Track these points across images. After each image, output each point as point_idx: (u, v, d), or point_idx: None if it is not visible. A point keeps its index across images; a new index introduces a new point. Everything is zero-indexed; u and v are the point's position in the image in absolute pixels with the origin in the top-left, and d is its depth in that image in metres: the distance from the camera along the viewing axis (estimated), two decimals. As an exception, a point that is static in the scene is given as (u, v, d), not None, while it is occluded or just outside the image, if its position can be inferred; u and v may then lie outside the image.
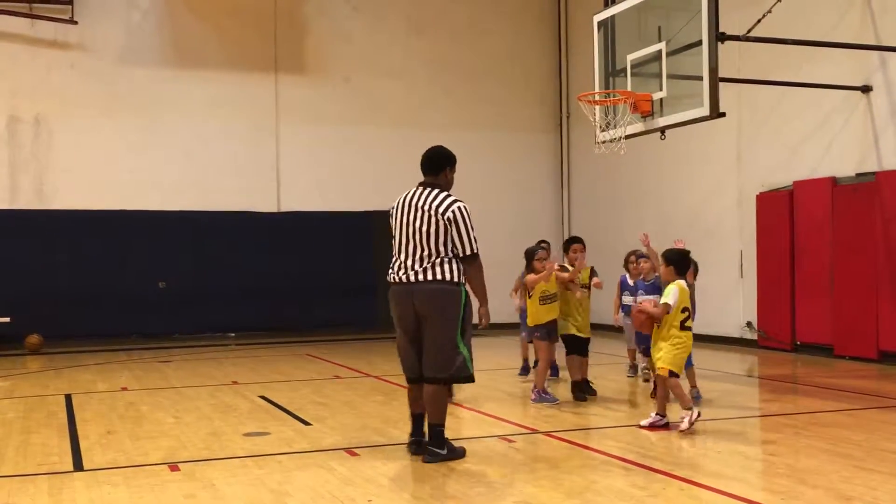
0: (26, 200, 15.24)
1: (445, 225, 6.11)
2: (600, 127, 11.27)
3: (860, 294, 11.67)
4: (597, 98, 11.25)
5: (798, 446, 6.68)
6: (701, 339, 13.81)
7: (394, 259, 6.28)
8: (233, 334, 15.82)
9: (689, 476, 5.70)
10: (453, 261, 6.16)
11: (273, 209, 16.38)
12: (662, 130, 10.65)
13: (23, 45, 15.26)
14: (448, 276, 6.11)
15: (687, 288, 7.38)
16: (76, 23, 15.26)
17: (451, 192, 6.31)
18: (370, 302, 15.82)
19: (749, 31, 10.48)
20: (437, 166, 6.38)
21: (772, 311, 13.16)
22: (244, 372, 10.75)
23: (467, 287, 6.24)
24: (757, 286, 13.45)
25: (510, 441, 6.88)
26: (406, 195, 6.33)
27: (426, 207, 6.16)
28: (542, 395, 8.56)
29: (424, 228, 6.13)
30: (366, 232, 16.64)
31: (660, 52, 10.44)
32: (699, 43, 9.79)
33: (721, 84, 9.74)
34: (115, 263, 15.51)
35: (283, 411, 8.29)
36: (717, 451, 6.46)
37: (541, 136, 18.39)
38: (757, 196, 13.45)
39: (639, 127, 10.77)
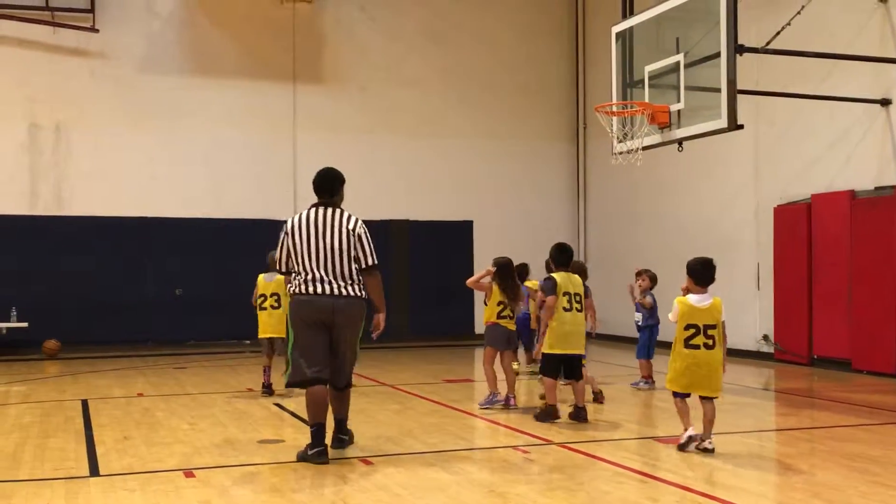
0: (45, 207, 15.36)
1: (353, 240, 6.64)
2: (617, 138, 11.26)
3: (878, 308, 11.58)
4: (614, 109, 11.25)
5: (814, 461, 6.63)
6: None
7: (304, 273, 6.59)
8: (248, 341, 15.85)
9: (705, 489, 5.67)
10: (358, 278, 6.68)
11: (290, 217, 16.38)
12: (680, 142, 10.64)
13: (44, 53, 15.40)
14: (360, 293, 6.69)
15: (697, 303, 6.73)
16: (97, 31, 15.40)
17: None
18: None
19: (768, 44, 10.46)
20: (333, 187, 6.85)
21: (789, 324, 13.09)
22: (259, 379, 10.73)
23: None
24: (774, 299, 13.38)
25: (525, 452, 6.86)
26: (308, 214, 6.71)
27: (337, 225, 6.64)
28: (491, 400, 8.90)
29: (337, 245, 6.60)
30: (382, 240, 16.56)
31: (678, 63, 10.44)
32: (717, 55, 9.78)
33: (739, 96, 9.72)
34: (133, 270, 15.61)
35: (298, 419, 8.30)
36: (733, 465, 6.42)
37: (557, 147, 18.39)
38: (774, 209, 13.39)
39: (656, 138, 10.76)
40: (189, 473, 6.13)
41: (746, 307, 13.86)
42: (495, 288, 8.95)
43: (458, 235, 17.22)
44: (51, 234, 15.21)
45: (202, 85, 16.15)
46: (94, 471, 6.30)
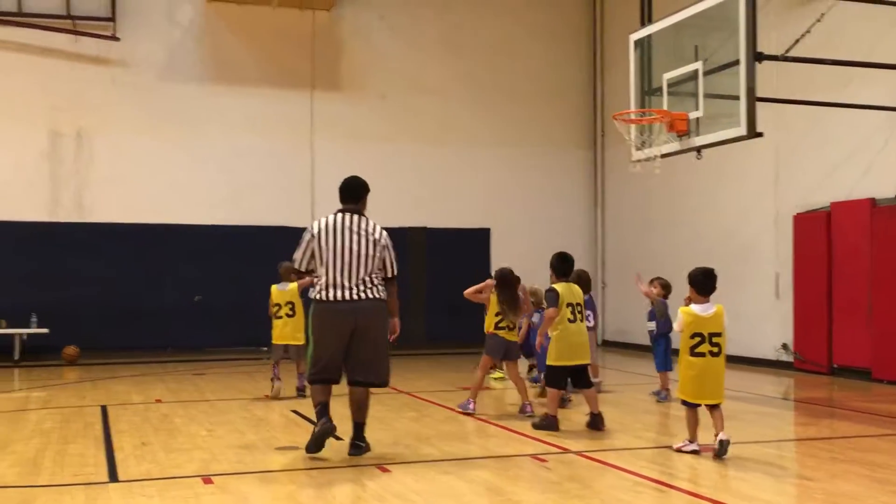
0: (66, 213, 15.48)
1: (380, 249, 6.89)
2: (636, 145, 11.23)
3: (899, 317, 11.49)
4: (632, 116, 11.23)
5: (835, 471, 6.57)
6: (735, 360, 13.71)
7: (326, 277, 6.80)
8: (265, 348, 15.89)
9: (723, 499, 5.63)
10: (381, 282, 6.92)
11: (308, 224, 16.42)
12: (698, 150, 10.58)
13: (66, 61, 15.55)
14: (381, 295, 6.91)
15: (701, 312, 6.84)
16: (118, 39, 15.54)
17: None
18: (403, 317, 15.81)
19: (787, 52, 10.41)
20: (358, 194, 7.10)
21: (808, 333, 13.00)
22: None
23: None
24: (793, 308, 13.29)
25: (542, 460, 6.84)
26: (335, 219, 6.92)
27: (364, 233, 6.88)
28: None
29: (364, 252, 6.83)
30: (400, 248, 16.60)
31: (696, 71, 10.40)
32: (736, 62, 9.74)
33: (758, 104, 9.68)
34: (152, 277, 15.71)
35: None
36: (752, 475, 6.37)
37: (575, 154, 18.38)
38: (794, 217, 13.32)
39: (674, 146, 10.72)
40: (207, 480, 6.15)
41: (765, 316, 13.78)
42: (493, 298, 9.00)
43: (475, 243, 17.22)
44: (71, 240, 15.33)
45: (221, 92, 16.26)
46: (114, 477, 6.33)
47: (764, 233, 14.00)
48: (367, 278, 6.83)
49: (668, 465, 6.68)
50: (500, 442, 7.80)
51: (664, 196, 16.10)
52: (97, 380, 12.30)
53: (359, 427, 7.02)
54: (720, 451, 6.76)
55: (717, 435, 6.82)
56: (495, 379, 11.64)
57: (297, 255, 6.98)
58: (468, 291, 9.31)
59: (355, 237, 6.84)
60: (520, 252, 16.43)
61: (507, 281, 9.05)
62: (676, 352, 7.09)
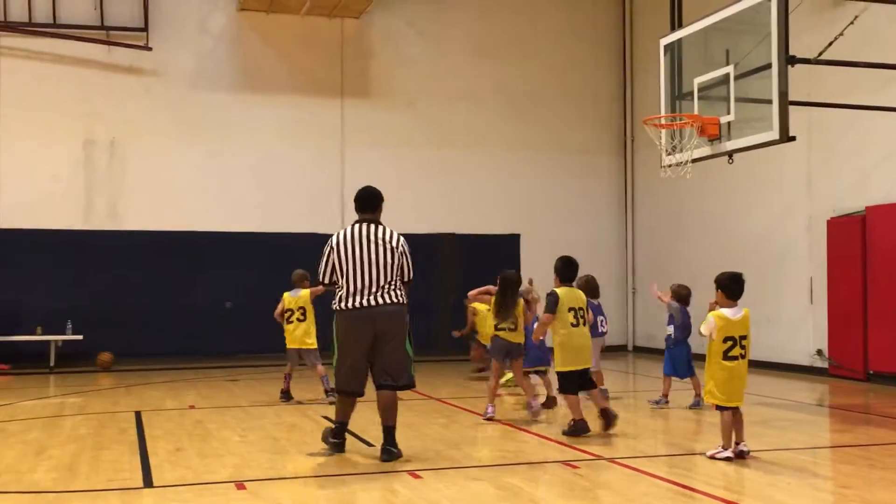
0: (99, 221, 15.67)
1: (398, 255, 7.05)
2: (666, 150, 11.16)
3: (936, 323, 11.32)
4: (663, 121, 11.17)
5: (872, 479, 6.48)
6: (769, 366, 13.62)
7: (346, 286, 6.98)
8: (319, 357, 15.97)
9: (758, 507, 5.58)
10: (401, 286, 7.07)
11: (336, 232, 16.51)
12: (730, 154, 10.50)
13: (100, 71, 15.75)
14: (399, 299, 7.03)
15: (732, 316, 6.93)
16: (150, 49, 15.71)
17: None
18: (433, 323, 15.91)
19: (820, 55, 10.30)
20: (374, 204, 7.29)
21: (843, 338, 12.84)
22: (307, 392, 10.83)
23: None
24: (828, 313, 13.14)
25: (574, 467, 6.81)
26: (353, 230, 7.11)
27: (381, 241, 7.05)
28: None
29: (382, 259, 6.99)
30: (431, 254, 16.76)
31: (727, 75, 10.32)
32: (768, 66, 9.65)
33: (791, 107, 9.59)
34: (184, 283, 15.85)
35: (346, 431, 8.33)
36: (788, 483, 6.30)
37: (605, 160, 18.32)
38: (828, 221, 13.18)
39: (706, 151, 10.64)
40: (240, 485, 6.19)
41: (800, 322, 13.63)
42: (492, 300, 9.18)
43: (505, 249, 17.18)
44: (105, 248, 15.51)
45: (252, 101, 16.39)
46: (148, 482, 6.39)
47: (797, 237, 13.86)
48: (386, 285, 6.98)
49: (701, 472, 6.62)
50: (531, 448, 7.77)
51: (695, 201, 15.99)
52: (131, 386, 12.42)
53: (388, 431, 7.07)
54: (740, 453, 6.94)
55: (738, 443, 6.96)
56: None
57: (320, 268, 7.18)
58: (471, 294, 9.65)
59: (373, 246, 7.01)
60: (550, 258, 16.31)
61: (507, 284, 9.11)
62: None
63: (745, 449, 6.97)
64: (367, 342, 6.96)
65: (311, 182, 16.62)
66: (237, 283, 16.03)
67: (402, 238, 7.17)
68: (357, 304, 6.95)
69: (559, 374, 8.16)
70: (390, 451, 7.00)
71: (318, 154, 16.67)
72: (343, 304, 7.00)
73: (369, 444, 7.56)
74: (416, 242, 17.27)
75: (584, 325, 8.19)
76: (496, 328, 9.14)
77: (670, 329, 10.04)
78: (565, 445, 7.67)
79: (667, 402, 9.93)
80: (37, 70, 15.49)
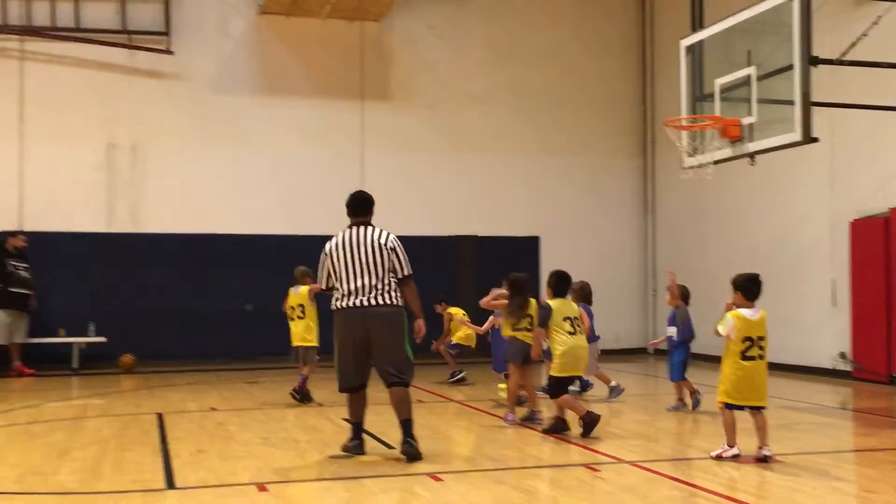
0: (122, 224, 15.76)
1: (388, 253, 7.15)
2: (687, 152, 11.12)
3: (962, 325, 11.20)
4: (684, 123, 11.12)
5: (897, 483, 6.43)
6: (791, 369, 13.52)
7: (341, 289, 7.16)
8: (317, 357, 16.01)
9: (782, 511, 5.54)
10: (394, 288, 7.17)
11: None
12: (752, 155, 10.45)
13: (122, 75, 15.86)
14: (393, 300, 7.15)
15: (750, 317, 6.98)
16: (172, 53, 15.80)
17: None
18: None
19: (843, 55, 10.23)
20: (366, 208, 7.44)
21: (867, 341, 12.72)
22: (328, 394, 10.85)
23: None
24: (851, 316, 13.03)
25: (595, 470, 6.79)
26: (345, 235, 7.28)
27: (371, 242, 7.17)
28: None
29: (372, 260, 7.12)
30: (449, 257, 16.76)
31: (749, 76, 10.27)
32: (790, 67, 9.59)
33: (813, 108, 9.52)
34: (205, 286, 15.91)
35: (367, 434, 8.34)
36: (812, 487, 6.25)
37: (625, 162, 18.25)
38: (850, 223, 13.07)
39: (727, 152, 10.59)
40: (262, 487, 6.21)
41: (822, 324, 13.53)
42: (507, 302, 9.25)
43: (525, 251, 17.15)
44: (127, 250, 15.60)
45: (273, 104, 16.46)
46: (171, 484, 6.42)
47: (820, 239, 13.75)
48: (379, 284, 7.10)
49: (723, 475, 6.58)
50: (553, 451, 7.75)
51: (716, 203, 15.90)
52: (153, 388, 12.50)
53: (405, 424, 7.14)
54: (762, 458, 6.92)
55: (760, 447, 6.96)
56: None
57: (319, 275, 7.41)
58: (484, 301, 9.78)
59: (363, 248, 7.17)
60: (569, 260, 16.28)
61: (519, 285, 9.14)
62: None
63: (767, 454, 6.93)
64: (361, 341, 7.13)
65: (330, 185, 16.61)
66: (257, 285, 16.06)
67: (392, 236, 7.28)
68: (350, 304, 7.14)
69: (553, 378, 8.32)
70: (410, 444, 7.07)
71: (337, 157, 16.70)
72: (338, 304, 7.21)
73: (389, 447, 7.56)
74: (435, 245, 17.33)
75: (581, 333, 8.42)
76: (513, 329, 9.16)
77: (672, 331, 9.92)
78: (587, 448, 7.64)
79: (684, 405, 9.86)
80: (60, 74, 15.62)
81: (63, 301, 15.08)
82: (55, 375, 13.97)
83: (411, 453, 7.02)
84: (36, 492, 6.20)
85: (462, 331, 12.59)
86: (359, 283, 7.11)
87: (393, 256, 7.17)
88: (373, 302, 7.09)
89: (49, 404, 10.92)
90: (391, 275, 7.16)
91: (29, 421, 9.49)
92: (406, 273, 7.23)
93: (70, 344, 14.76)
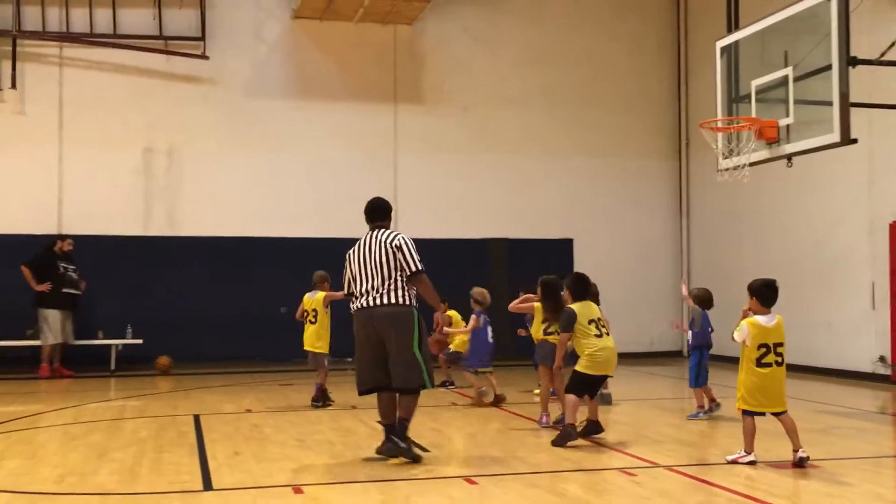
0: (158, 228, 15.95)
1: (394, 251, 7.22)
2: (723, 154, 11.02)
3: None
4: (720, 125, 11.03)
5: (940, 490, 6.32)
6: (830, 373, 13.35)
7: (357, 292, 7.33)
8: (349, 359, 16.05)
9: (822, 517, 5.47)
10: (404, 287, 7.20)
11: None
12: (789, 157, 10.34)
13: (159, 80, 16.05)
14: (401, 300, 7.19)
15: (766, 323, 6.93)
16: (207, 58, 15.96)
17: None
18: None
19: (882, 55, 10.11)
20: (384, 214, 7.64)
21: (907, 345, 12.53)
22: (362, 397, 10.89)
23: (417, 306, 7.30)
24: (891, 319, 12.84)
25: (631, 475, 6.75)
26: (362, 241, 7.45)
27: (379, 243, 7.32)
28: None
29: (380, 260, 7.25)
30: (483, 259, 16.76)
31: (786, 77, 10.16)
32: (828, 67, 9.48)
33: (852, 109, 9.40)
34: (240, 288, 16.04)
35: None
36: (851, 493, 6.17)
37: (660, 164, 18.14)
38: (890, 224, 12.88)
39: (764, 154, 10.49)
40: (298, 489, 6.25)
41: (861, 328, 13.34)
42: (537, 306, 9.29)
43: (558, 254, 17.10)
44: (163, 253, 15.78)
45: (307, 107, 16.57)
46: (208, 485, 6.48)
47: (858, 241, 13.57)
48: (386, 284, 7.20)
49: (761, 481, 6.52)
50: (588, 455, 7.72)
51: (751, 205, 15.75)
52: (189, 389, 12.62)
53: (400, 422, 7.24)
54: (799, 461, 6.88)
55: (796, 451, 6.91)
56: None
57: (343, 280, 7.58)
58: (512, 305, 9.83)
59: (373, 250, 7.32)
60: (603, 263, 16.29)
61: (551, 288, 9.11)
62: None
63: (803, 456, 6.87)
64: (373, 341, 7.23)
65: (364, 187, 16.62)
66: (292, 288, 16.11)
67: (400, 235, 7.37)
68: (361, 305, 7.30)
69: (578, 373, 8.04)
70: (396, 443, 7.16)
71: (371, 159, 16.77)
72: (353, 307, 7.40)
73: (425, 450, 7.57)
74: (468, 247, 17.31)
75: (608, 334, 8.19)
76: (545, 332, 9.18)
77: (690, 334, 9.81)
78: (622, 453, 7.61)
79: (704, 412, 9.61)
80: (98, 80, 15.84)
81: (101, 303, 15.28)
82: (93, 377, 14.17)
83: (386, 453, 7.16)
84: (77, 492, 6.28)
85: (459, 338, 12.40)
86: (368, 286, 7.25)
87: (399, 255, 7.24)
88: (378, 302, 7.19)
89: (88, 405, 11.07)
90: (400, 273, 7.22)
91: (68, 422, 9.63)
92: (414, 269, 7.25)
93: (107, 346, 14.96)
